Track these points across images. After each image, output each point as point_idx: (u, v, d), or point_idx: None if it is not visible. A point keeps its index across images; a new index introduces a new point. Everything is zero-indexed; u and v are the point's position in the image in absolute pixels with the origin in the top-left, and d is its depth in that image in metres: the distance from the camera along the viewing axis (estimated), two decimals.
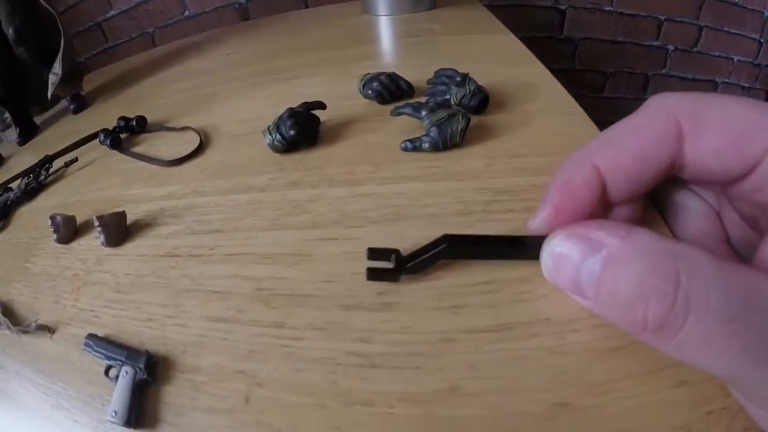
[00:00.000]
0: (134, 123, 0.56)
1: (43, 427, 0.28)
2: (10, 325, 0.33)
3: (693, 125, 0.20)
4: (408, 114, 0.40)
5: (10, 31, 0.66)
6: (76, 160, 0.54)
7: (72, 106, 0.75)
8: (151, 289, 0.32)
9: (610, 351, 0.22)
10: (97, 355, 0.28)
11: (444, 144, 0.37)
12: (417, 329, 0.25)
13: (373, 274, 0.26)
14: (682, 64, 1.24)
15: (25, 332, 0.33)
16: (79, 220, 0.41)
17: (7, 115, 0.71)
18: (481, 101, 0.41)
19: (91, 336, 0.29)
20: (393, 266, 0.26)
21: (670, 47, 1.21)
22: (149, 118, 0.57)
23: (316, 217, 0.34)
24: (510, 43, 0.61)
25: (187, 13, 1.04)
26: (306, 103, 0.44)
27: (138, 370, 0.26)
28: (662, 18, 1.16)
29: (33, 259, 0.40)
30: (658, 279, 0.17)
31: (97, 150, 0.55)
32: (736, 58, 1.26)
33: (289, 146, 0.42)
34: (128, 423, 0.25)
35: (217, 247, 0.34)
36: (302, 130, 0.41)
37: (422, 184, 0.35)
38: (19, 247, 0.43)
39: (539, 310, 0.24)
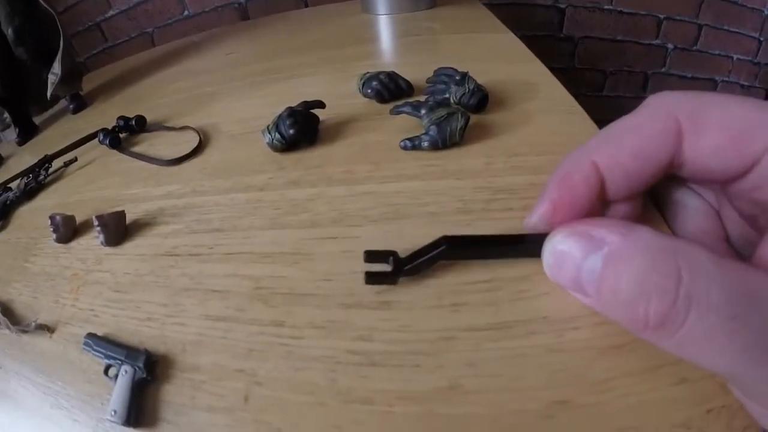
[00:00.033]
0: (133, 123, 0.56)
1: (42, 426, 0.28)
2: (10, 325, 0.33)
3: (692, 124, 0.20)
4: (407, 113, 0.40)
5: (9, 32, 0.66)
6: (75, 159, 0.54)
7: (71, 106, 0.75)
8: (150, 289, 0.32)
9: (610, 349, 0.22)
10: (97, 354, 0.28)
11: (443, 143, 0.37)
12: (416, 327, 0.25)
13: (372, 278, 0.26)
14: (682, 63, 1.24)
15: (25, 332, 0.33)
16: (79, 219, 0.41)
17: (6, 115, 0.71)
18: (481, 100, 0.41)
19: (91, 335, 0.29)
20: (391, 269, 0.26)
21: (670, 46, 1.21)
22: (148, 118, 0.57)
23: (315, 216, 0.34)
24: (509, 41, 0.61)
25: (186, 12, 1.04)
26: (305, 102, 0.44)
27: (137, 369, 0.26)
28: (662, 17, 1.16)
29: (32, 258, 0.40)
30: (659, 276, 0.17)
31: (96, 150, 0.55)
32: (735, 57, 1.26)
33: (288, 145, 0.42)
34: (128, 422, 0.25)
35: (216, 246, 0.34)
36: (301, 129, 0.41)
37: (421, 183, 0.35)
38: (19, 246, 0.43)
39: (538, 308, 0.24)
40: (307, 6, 1.06)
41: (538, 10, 1.13)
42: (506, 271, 0.26)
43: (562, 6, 1.12)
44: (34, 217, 0.47)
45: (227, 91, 0.63)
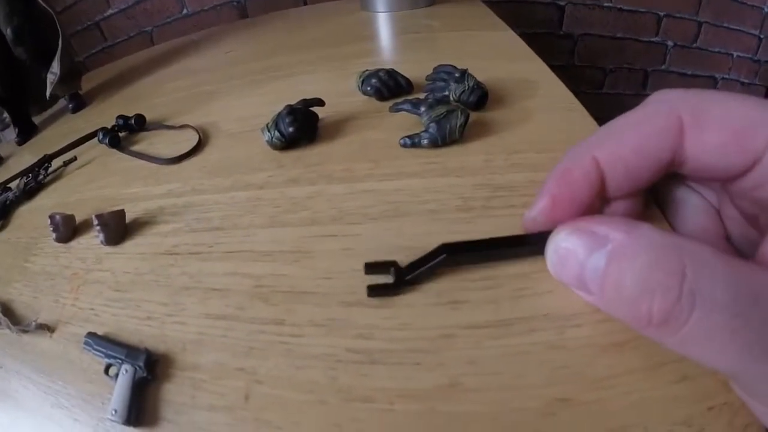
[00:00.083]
0: (133, 121, 0.56)
1: (43, 425, 0.28)
2: (10, 325, 0.33)
3: (694, 121, 0.20)
4: (407, 110, 0.40)
5: (8, 32, 0.66)
6: (75, 159, 0.54)
7: (71, 106, 0.75)
8: (150, 288, 0.32)
9: (611, 346, 0.22)
10: (97, 353, 0.28)
11: (443, 140, 0.37)
12: (417, 325, 0.25)
13: (374, 291, 0.26)
14: (682, 60, 1.24)
15: (25, 331, 0.32)
16: (79, 219, 0.41)
17: (5, 114, 0.71)
18: (480, 97, 0.41)
19: (91, 334, 0.29)
20: (393, 280, 0.26)
21: (670, 43, 1.21)
22: (148, 117, 0.57)
23: (315, 214, 0.34)
24: (509, 39, 0.61)
25: (185, 11, 1.04)
26: (305, 100, 0.44)
27: (138, 368, 0.26)
28: (662, 14, 1.16)
29: (32, 258, 0.40)
30: (663, 273, 0.17)
31: (96, 149, 0.55)
32: (735, 54, 1.25)
33: (287, 143, 0.42)
34: (128, 421, 0.25)
35: (216, 244, 0.34)
36: (301, 127, 0.41)
37: (421, 181, 0.35)
38: (19, 246, 0.43)
39: (539, 305, 0.24)
40: (306, 4, 1.06)
41: (538, 8, 1.12)
42: (506, 268, 0.26)
43: (562, 3, 1.12)
44: (33, 216, 0.47)
45: (226, 90, 0.62)
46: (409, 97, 0.44)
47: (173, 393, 0.26)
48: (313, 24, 0.89)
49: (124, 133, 0.56)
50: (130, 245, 0.37)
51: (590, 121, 0.38)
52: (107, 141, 0.53)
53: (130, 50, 1.03)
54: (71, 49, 0.77)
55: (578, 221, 0.21)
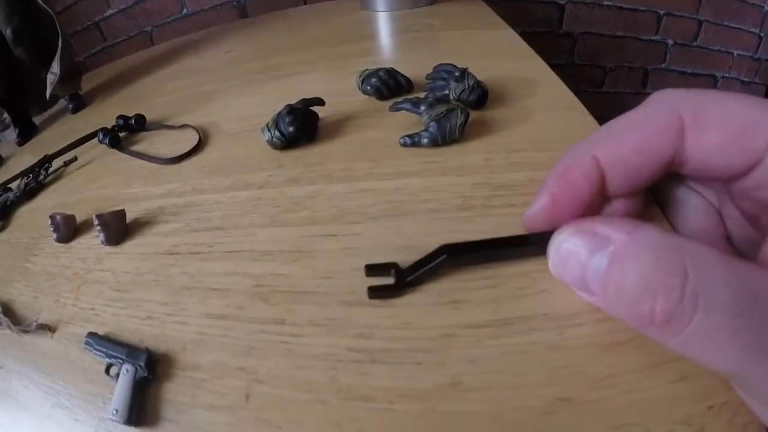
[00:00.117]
0: (133, 121, 0.56)
1: (44, 426, 0.28)
2: (11, 325, 0.33)
3: (695, 121, 0.20)
4: (407, 109, 0.40)
5: (8, 32, 0.66)
6: (75, 159, 0.54)
7: (71, 106, 0.75)
8: (150, 287, 0.32)
9: (611, 345, 0.22)
10: (98, 353, 0.28)
11: (443, 139, 0.37)
12: (417, 325, 0.25)
13: (375, 293, 0.26)
14: (682, 59, 1.24)
15: (26, 332, 0.33)
16: (79, 219, 0.41)
17: (6, 115, 0.71)
18: (480, 96, 0.41)
19: (92, 334, 0.29)
20: (394, 282, 0.26)
21: (670, 42, 1.21)
22: (148, 117, 0.57)
23: (315, 214, 0.34)
24: (509, 38, 0.61)
25: (185, 11, 1.04)
26: (304, 99, 0.44)
27: (138, 368, 0.26)
28: (662, 12, 1.16)
29: (33, 258, 0.40)
30: (665, 274, 0.17)
31: (96, 149, 0.55)
32: (735, 53, 1.25)
33: (287, 143, 0.42)
34: (129, 421, 0.25)
35: (216, 244, 0.34)
36: (301, 126, 0.41)
37: (421, 180, 0.35)
38: (19, 246, 0.43)
39: (539, 304, 0.24)
40: (306, 3, 1.06)
41: (538, 7, 1.12)
42: (506, 268, 0.26)
43: (562, 2, 1.12)
44: (34, 217, 0.47)
45: (226, 90, 0.62)
46: (409, 96, 0.44)
47: (174, 393, 0.26)
48: (313, 23, 0.89)
49: (124, 133, 0.56)
50: (130, 245, 0.37)
51: (590, 120, 0.38)
52: (107, 141, 0.53)
53: (129, 50, 1.03)
54: (71, 49, 0.77)
55: (580, 222, 0.21)
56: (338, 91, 0.51)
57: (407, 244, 0.29)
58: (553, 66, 0.48)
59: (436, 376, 0.23)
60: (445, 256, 0.25)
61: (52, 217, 0.39)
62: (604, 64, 1.23)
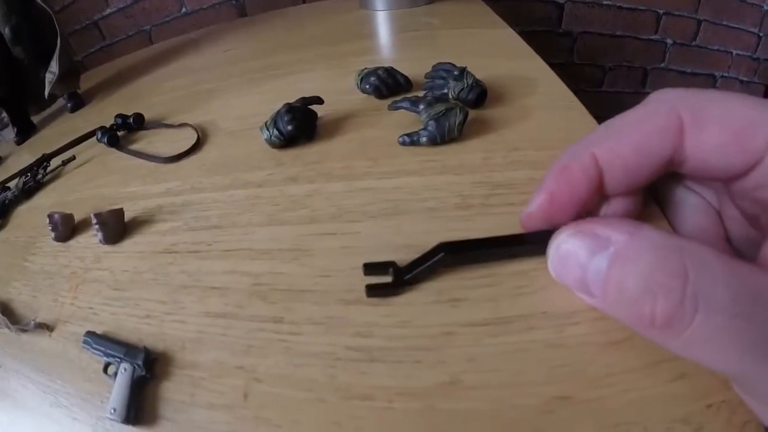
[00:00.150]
0: (131, 120, 0.56)
1: (42, 424, 0.28)
2: (9, 324, 0.33)
3: (694, 121, 0.20)
4: (406, 108, 0.40)
5: (6, 31, 0.65)
6: (73, 158, 0.54)
7: (69, 105, 0.74)
8: (149, 286, 0.32)
9: (610, 344, 0.22)
10: (96, 352, 0.28)
11: (442, 138, 0.37)
12: (416, 323, 0.25)
13: (373, 291, 0.26)
14: (681, 58, 1.24)
15: (24, 331, 0.32)
16: (77, 218, 0.41)
17: (4, 114, 0.71)
18: (479, 95, 0.41)
19: (90, 333, 0.29)
20: (391, 280, 0.26)
21: (669, 41, 1.21)
22: (146, 116, 0.57)
23: (314, 212, 0.34)
24: (508, 37, 0.61)
25: (184, 10, 1.04)
26: (303, 98, 0.44)
27: (137, 366, 0.26)
28: (661, 12, 1.16)
29: (31, 257, 0.40)
30: (666, 275, 0.17)
31: (94, 148, 0.55)
32: (735, 52, 1.25)
33: (286, 142, 0.42)
34: (127, 420, 0.25)
35: (215, 243, 0.34)
36: (300, 125, 0.41)
37: (420, 179, 0.35)
38: (18, 245, 0.43)
39: (538, 303, 0.24)
40: (304, 2, 1.06)
41: (537, 6, 1.12)
42: (505, 266, 0.26)
43: (561, 1, 1.12)
44: (32, 215, 0.47)
45: (225, 88, 0.62)
46: (408, 95, 0.44)
47: (172, 391, 0.26)
48: (312, 22, 0.89)
49: (122, 132, 0.56)
50: (128, 244, 0.37)
51: (589, 119, 0.38)
52: (106, 140, 0.53)
53: (128, 49, 1.03)
54: (70, 48, 0.77)
55: (580, 223, 0.21)
56: (337, 89, 0.51)
57: (406, 243, 0.29)
58: (552, 65, 0.48)
59: (435, 374, 0.23)
60: (442, 254, 0.25)
61: (50, 216, 0.39)
62: (604, 63, 1.23)
